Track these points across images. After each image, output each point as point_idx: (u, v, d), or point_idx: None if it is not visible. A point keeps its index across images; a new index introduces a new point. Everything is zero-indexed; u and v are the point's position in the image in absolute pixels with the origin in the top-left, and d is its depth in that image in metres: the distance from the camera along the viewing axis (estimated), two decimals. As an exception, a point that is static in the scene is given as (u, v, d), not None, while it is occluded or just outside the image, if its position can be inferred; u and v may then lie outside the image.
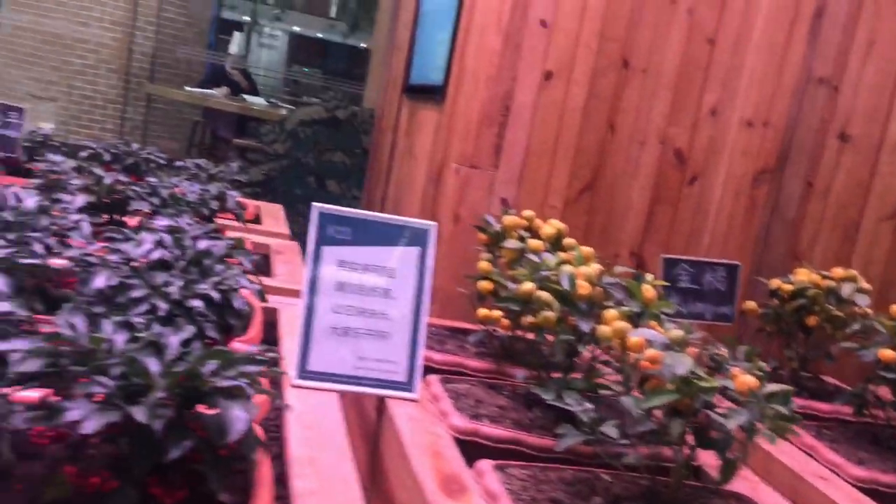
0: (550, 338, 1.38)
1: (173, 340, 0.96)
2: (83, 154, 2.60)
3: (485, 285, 1.59)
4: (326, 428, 1.21)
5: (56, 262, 1.22)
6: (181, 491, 0.87)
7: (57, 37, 7.91)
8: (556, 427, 1.34)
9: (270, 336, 1.56)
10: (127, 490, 0.83)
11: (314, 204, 1.38)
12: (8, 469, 0.90)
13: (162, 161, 2.80)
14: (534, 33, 2.16)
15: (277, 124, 3.65)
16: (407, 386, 1.36)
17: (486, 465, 1.15)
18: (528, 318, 1.55)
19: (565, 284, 1.29)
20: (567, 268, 1.32)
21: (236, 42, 7.20)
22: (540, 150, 2.26)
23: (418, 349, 1.37)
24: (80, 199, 1.52)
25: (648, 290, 1.28)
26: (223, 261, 1.27)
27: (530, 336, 1.72)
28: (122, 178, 2.11)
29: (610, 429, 1.10)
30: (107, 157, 2.65)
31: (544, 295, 1.30)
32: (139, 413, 0.79)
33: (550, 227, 1.59)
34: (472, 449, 1.24)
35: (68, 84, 8.00)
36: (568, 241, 1.59)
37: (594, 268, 1.35)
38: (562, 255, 1.47)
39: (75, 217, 1.45)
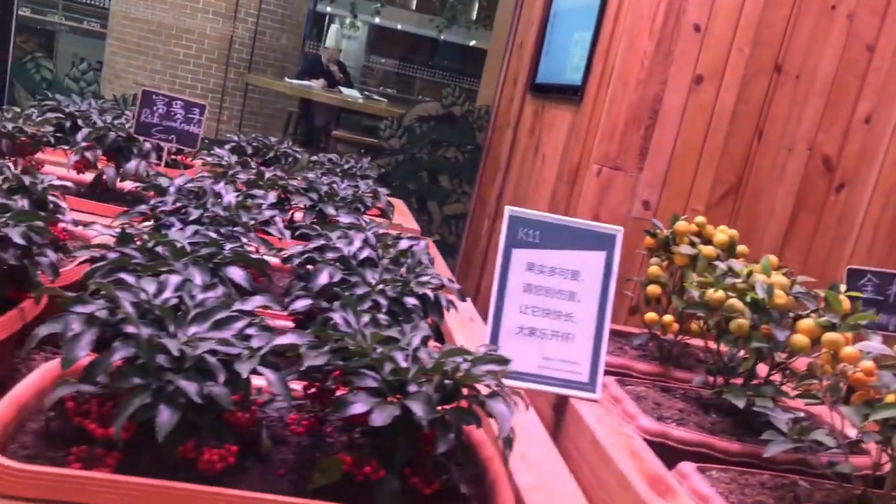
0: (722, 347, 1.39)
1: (415, 338, 1.01)
2: (227, 147, 2.72)
3: (654, 290, 1.60)
4: (525, 423, 1.24)
5: (273, 257, 1.29)
6: (436, 482, 0.91)
7: (163, 27, 8.21)
8: (735, 431, 1.36)
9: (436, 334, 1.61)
10: (392, 480, 0.88)
11: (508, 208, 1.42)
12: (267, 455, 0.97)
13: (298, 155, 2.89)
14: (687, 38, 2.15)
15: (394, 120, 3.71)
16: (589, 386, 1.39)
17: (688, 467, 1.16)
18: (695, 325, 1.56)
19: (761, 293, 1.29)
20: (759, 277, 1.32)
21: (333, 36, 7.34)
22: (685, 153, 2.25)
23: (601, 351, 1.40)
24: (272, 196, 1.60)
25: (845, 301, 1.27)
26: (421, 260, 1.32)
27: (696, 342, 1.73)
28: (279, 172, 2.20)
29: (823, 437, 1.10)
30: (249, 150, 2.76)
31: (737, 303, 1.30)
32: (417, 408, 0.84)
33: (723, 233, 1.59)
34: (659, 451, 1.26)
35: (172, 73, 8.31)
36: (741, 248, 1.59)
37: (783, 278, 1.35)
38: (747, 264, 1.47)
39: (269, 212, 1.53)
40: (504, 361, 0.95)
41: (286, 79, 7.66)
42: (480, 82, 4.07)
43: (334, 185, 2.13)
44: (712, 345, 1.44)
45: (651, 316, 1.62)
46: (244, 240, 1.40)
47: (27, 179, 1.44)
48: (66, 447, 0.90)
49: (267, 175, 2.12)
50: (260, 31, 8.49)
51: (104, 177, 2.01)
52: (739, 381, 1.42)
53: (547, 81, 2.97)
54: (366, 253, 1.29)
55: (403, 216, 2.89)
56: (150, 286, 0.96)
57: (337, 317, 0.92)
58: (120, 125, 2.06)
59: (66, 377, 0.91)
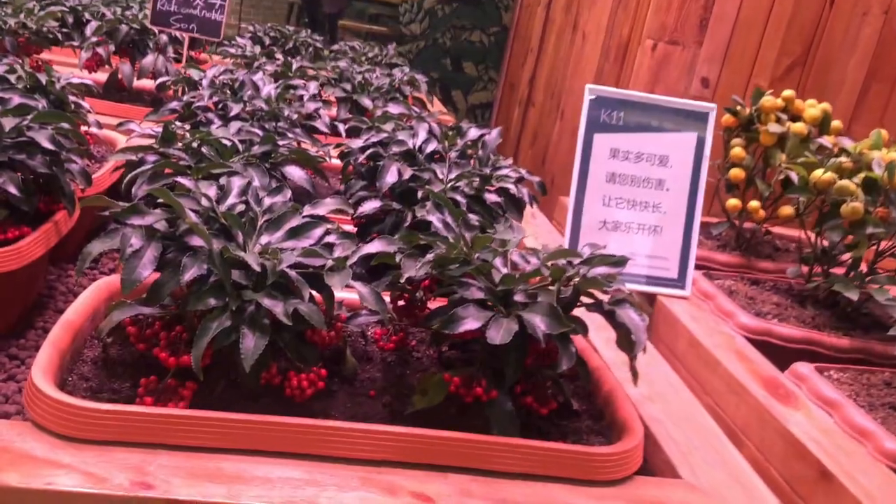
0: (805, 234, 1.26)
1: (512, 238, 0.88)
2: (245, 36, 2.52)
3: (737, 174, 1.46)
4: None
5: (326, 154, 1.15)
6: (552, 401, 0.81)
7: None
8: (840, 326, 1.25)
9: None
10: (505, 400, 0.78)
11: (589, 87, 1.26)
12: (353, 374, 0.86)
13: (318, 44, 2.69)
14: None
15: (414, 3, 3.46)
16: (679, 283, 1.27)
17: (805, 368, 1.06)
18: (786, 210, 1.42)
19: (878, 171, 1.14)
20: (874, 153, 1.18)
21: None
22: (749, 22, 2.04)
23: (691, 245, 1.27)
24: (313, 86, 1.44)
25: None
26: (494, 152, 1.18)
27: (778, 229, 1.60)
28: (306, 63, 2.02)
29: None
30: (267, 41, 2.56)
31: (849, 185, 1.16)
32: (540, 322, 0.72)
33: (814, 108, 1.43)
34: (762, 349, 1.16)
35: (165, -33, 7.83)
36: (835, 124, 1.43)
37: (898, 154, 1.20)
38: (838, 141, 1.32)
39: (312, 105, 1.37)
40: (620, 262, 0.82)
41: (286, -34, 7.20)
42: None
43: (367, 75, 1.95)
44: (805, 233, 1.31)
45: (733, 202, 1.48)
46: (290, 135, 1.25)
47: (43, 78, 1.29)
48: (130, 377, 0.79)
49: (294, 65, 1.94)
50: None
51: (120, 75, 1.84)
52: (840, 271, 1.29)
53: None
54: (433, 146, 1.15)
55: (435, 106, 2.72)
56: (209, 190, 0.83)
57: (434, 219, 0.79)
58: (133, 17, 1.86)
59: (122, 299, 0.80)
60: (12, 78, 1.22)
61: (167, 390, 0.74)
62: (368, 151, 1.08)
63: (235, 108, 1.21)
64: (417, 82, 1.96)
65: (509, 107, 3.44)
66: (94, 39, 1.81)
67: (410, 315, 0.87)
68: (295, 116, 1.32)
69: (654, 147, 1.24)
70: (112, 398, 0.75)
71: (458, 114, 3.57)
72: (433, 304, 0.84)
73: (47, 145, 0.99)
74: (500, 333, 0.70)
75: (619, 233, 1.25)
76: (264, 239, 0.80)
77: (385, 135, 1.13)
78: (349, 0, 6.71)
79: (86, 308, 0.84)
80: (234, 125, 1.14)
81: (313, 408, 0.79)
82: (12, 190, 0.96)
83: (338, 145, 1.19)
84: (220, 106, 1.24)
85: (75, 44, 1.85)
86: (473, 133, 1.21)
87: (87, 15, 1.93)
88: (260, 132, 1.18)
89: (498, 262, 0.81)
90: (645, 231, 1.25)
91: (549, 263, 0.82)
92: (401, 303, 0.87)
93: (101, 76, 1.91)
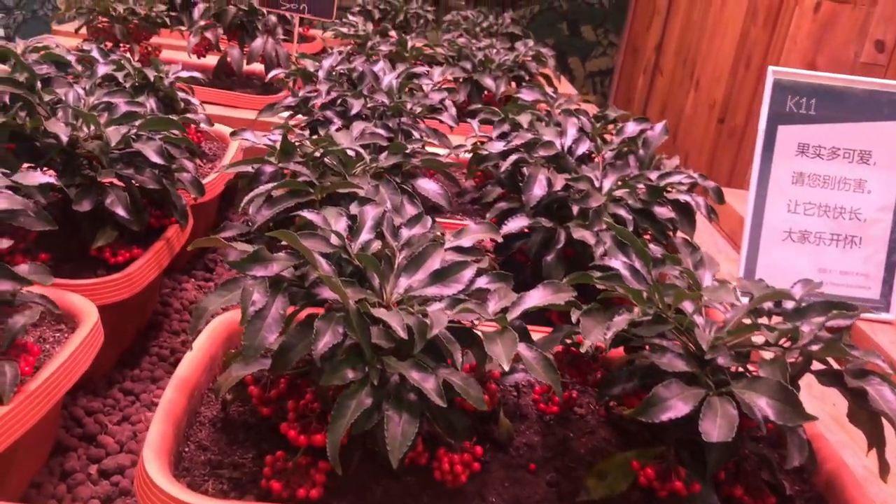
0: None
1: (706, 274, 0.70)
2: (354, 10, 2.39)
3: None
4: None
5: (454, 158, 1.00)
6: (769, 496, 0.64)
7: None
8: None
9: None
10: (709, 493, 0.61)
11: (772, 69, 1.04)
12: (508, 439, 0.72)
13: (430, 16, 2.53)
14: None
15: (529, -37, 3.23)
16: (881, 305, 1.05)
17: None
18: None
19: None
20: None
21: None
22: (939, -27, 1.73)
23: (896, 257, 1.05)
24: (437, 73, 1.28)
25: None
26: (655, 151, 0.99)
27: None
28: (419, 41, 1.87)
29: None
30: (376, 14, 2.42)
31: None
32: (766, 406, 0.55)
33: None
34: None
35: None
36: None
37: None
38: None
39: (437, 95, 1.22)
40: (850, 313, 0.63)
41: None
42: None
43: (488, 52, 1.78)
44: None
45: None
46: (416, 134, 1.11)
47: (151, 74, 1.19)
48: (254, 446, 0.68)
49: (409, 43, 1.79)
50: None
51: (229, 59, 1.74)
52: None
53: None
54: (584, 147, 0.97)
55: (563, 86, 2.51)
56: (339, 223, 0.69)
57: (618, 264, 0.62)
58: (242, -3, 1.76)
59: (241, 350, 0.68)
60: (120, 76, 1.13)
61: (297, 471, 0.62)
62: (512, 158, 0.92)
63: (356, 106, 1.07)
64: (544, 57, 1.77)
65: (632, 74, 3.18)
66: (202, 23, 1.71)
67: (579, 372, 0.72)
68: (419, 109, 1.18)
69: (852, 140, 1.02)
70: (234, 476, 0.64)
71: (574, 82, 3.34)
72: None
73: (156, 159, 0.89)
74: (718, 428, 0.53)
75: (807, 245, 1.04)
76: (403, 282, 0.66)
77: (528, 135, 0.96)
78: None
79: (202, 358, 0.73)
80: (357, 127, 1.00)
81: (465, 489, 0.65)
82: (121, 211, 0.86)
83: (474, 148, 1.04)
84: (338, 101, 1.10)
85: (183, 28, 1.76)
86: (631, 128, 1.02)
87: (195, -3, 1.84)
88: (384, 132, 1.04)
89: (690, 308, 0.64)
90: (840, 242, 1.04)
91: (761, 307, 0.64)
92: (569, 356, 0.71)
93: (210, 60, 1.82)
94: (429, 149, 1.07)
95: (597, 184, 0.91)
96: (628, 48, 3.28)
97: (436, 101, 1.21)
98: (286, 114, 1.17)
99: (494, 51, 1.85)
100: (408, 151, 0.88)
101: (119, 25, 1.70)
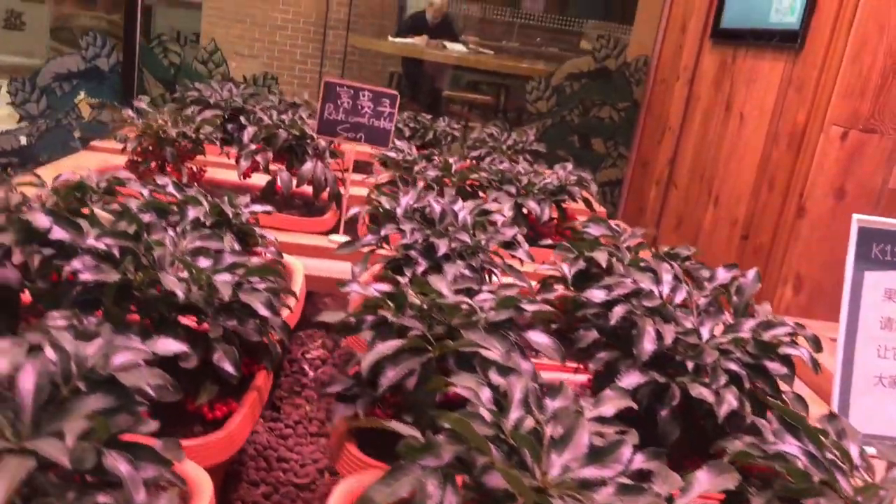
0: None
1: (851, 447, 0.69)
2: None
3: None
4: None
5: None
6: None
7: (259, -6, 7.99)
8: None
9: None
10: None
11: (856, 217, 1.07)
12: None
13: (457, 133, 2.59)
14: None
15: (542, 80, 3.35)
16: (974, 452, 1.04)
17: None
18: None
19: None
20: None
21: (438, -11, 6.92)
22: (962, 107, 1.81)
23: None
24: (508, 206, 1.30)
25: None
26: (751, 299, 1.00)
27: None
28: (464, 163, 1.91)
29: None
30: (406, 132, 2.48)
31: None
32: None
33: None
34: None
35: (271, 40, 8.11)
36: None
37: None
38: None
39: (510, 231, 1.23)
40: None
41: (389, 38, 7.33)
42: (632, 28, 3.62)
43: (531, 177, 1.81)
44: None
45: None
46: (496, 272, 1.11)
47: (228, 209, 1.19)
48: None
49: (453, 167, 1.83)
50: (356, -11, 8.17)
51: (278, 182, 1.76)
52: None
53: (739, 26, 2.54)
54: (682, 295, 0.98)
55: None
56: (482, 391, 0.68)
57: (792, 448, 0.61)
58: (290, 122, 1.79)
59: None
60: (200, 214, 1.13)
61: None
62: (620, 311, 0.92)
63: (443, 247, 1.08)
64: (586, 182, 1.81)
65: (642, 185, 3.26)
66: (252, 147, 1.74)
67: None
68: (493, 246, 1.19)
69: (938, 288, 1.04)
70: None
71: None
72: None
73: (264, 312, 0.88)
74: None
75: (897, 391, 1.04)
76: (556, 459, 0.64)
77: (629, 284, 0.97)
78: (441, 74, 6.75)
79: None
80: (450, 271, 1.01)
81: None
82: (228, 367, 0.84)
83: (544, 283, 1.03)
84: (422, 242, 1.11)
85: (233, 150, 1.79)
86: (723, 275, 1.03)
87: (243, 119, 1.88)
88: (469, 272, 1.04)
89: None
90: (930, 389, 1.04)
91: None
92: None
93: (256, 179, 1.84)
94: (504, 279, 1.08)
95: (704, 335, 0.91)
96: (637, 161, 3.38)
97: (509, 236, 1.22)
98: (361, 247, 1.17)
99: (531, 172, 1.88)
100: (520, 305, 0.88)
101: (170, 148, 1.72)
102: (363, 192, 1.79)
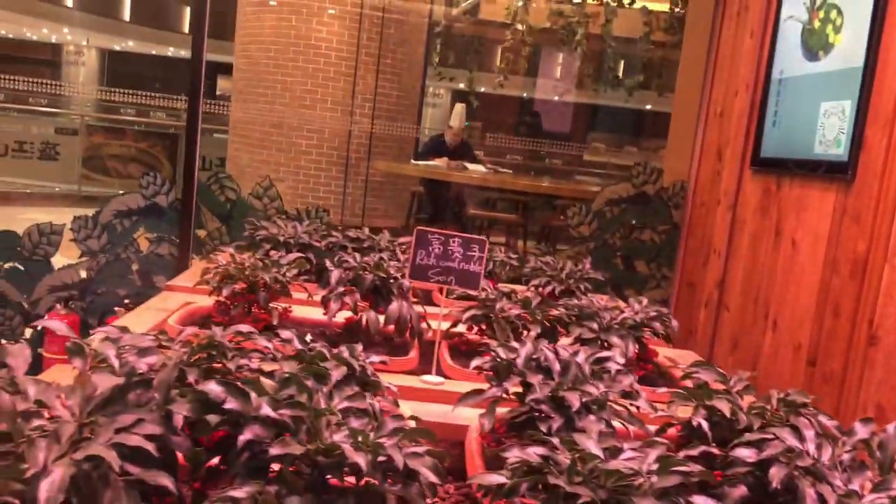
0: None
1: None
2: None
3: None
4: None
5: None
6: None
7: (283, 121, 8.35)
8: None
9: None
10: None
11: None
12: None
13: (514, 262, 2.65)
14: None
15: (582, 205, 3.45)
16: None
17: None
18: None
19: None
20: None
21: (457, 115, 7.25)
22: None
23: None
24: (619, 352, 1.33)
25: None
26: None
27: None
28: (542, 301, 1.95)
29: None
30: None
31: None
32: None
33: None
34: None
35: (295, 165, 8.40)
36: None
37: None
38: None
39: (626, 379, 1.25)
40: None
41: (412, 161, 7.61)
42: (665, 152, 3.77)
43: (612, 313, 1.85)
44: None
45: None
46: (616, 423, 1.13)
47: (354, 363, 1.22)
48: None
49: (533, 303, 1.87)
50: (377, 115, 8.54)
51: (365, 321, 1.79)
52: None
53: (782, 156, 2.64)
54: (828, 453, 0.99)
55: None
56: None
57: None
58: (376, 264, 1.85)
59: None
60: (340, 375, 1.15)
61: None
62: (781, 472, 0.93)
63: (575, 402, 1.10)
64: (666, 318, 1.84)
65: (690, 307, 3.29)
66: (341, 290, 1.79)
67: None
68: (613, 395, 1.20)
69: None
70: None
71: (630, 313, 3.42)
72: None
73: (433, 478, 0.89)
74: None
75: None
76: None
77: (777, 442, 0.98)
78: (462, 195, 6.95)
79: None
80: (591, 428, 1.02)
81: None
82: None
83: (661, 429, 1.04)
84: (558, 398, 1.13)
85: (321, 293, 1.83)
86: (862, 430, 1.04)
87: (328, 263, 1.94)
88: (604, 427, 1.06)
89: None
90: None
91: None
92: None
93: (338, 317, 1.88)
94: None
95: (867, 499, 0.92)
96: (682, 282, 3.43)
97: (626, 384, 1.24)
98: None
99: (619, 314, 1.92)
100: (684, 469, 0.89)
101: (263, 293, 1.77)
102: (432, 323, 1.82)
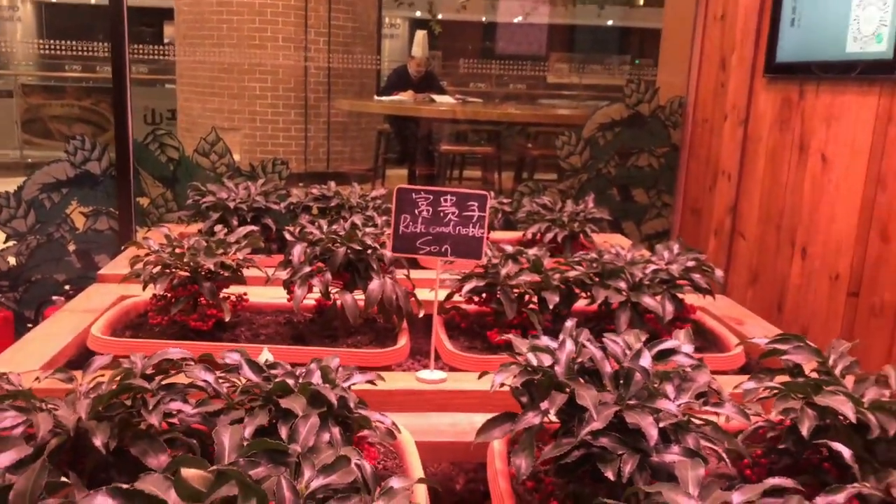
0: None
1: None
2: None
3: None
4: None
5: None
6: None
7: (233, 65, 7.79)
8: None
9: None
10: None
11: None
12: None
13: (507, 208, 2.31)
14: None
15: (571, 132, 3.09)
16: None
17: None
18: None
19: None
20: None
21: (419, 43, 6.75)
22: None
23: None
24: (684, 336, 0.99)
25: None
26: None
27: None
28: (557, 259, 1.61)
29: None
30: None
31: None
32: None
33: None
34: None
35: (251, 111, 7.88)
36: None
37: None
38: None
39: (701, 377, 0.92)
40: None
41: (375, 97, 7.14)
42: (657, 67, 3.39)
43: (644, 269, 1.52)
44: None
45: None
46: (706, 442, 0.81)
47: (330, 394, 0.88)
48: None
49: (546, 262, 1.53)
50: (333, 49, 8.00)
51: (339, 306, 1.45)
52: None
53: (805, 59, 2.29)
54: None
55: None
56: None
57: None
58: (347, 233, 1.49)
59: None
60: (313, 419, 0.81)
61: None
62: None
63: (651, 431, 0.77)
64: (708, 268, 1.52)
65: (697, 235, 2.98)
66: (307, 270, 1.43)
67: None
68: (689, 400, 0.88)
69: None
70: None
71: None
72: None
73: None
74: None
75: None
76: None
77: None
78: (428, 128, 6.51)
79: None
80: (683, 473, 0.70)
81: None
82: None
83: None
84: (617, 423, 0.80)
85: (282, 275, 1.47)
86: None
87: (287, 235, 1.58)
88: (694, 461, 0.74)
89: None
90: None
91: None
92: None
93: (310, 297, 1.53)
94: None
95: None
96: (686, 209, 3.11)
97: (702, 383, 0.91)
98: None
99: (640, 260, 1.59)
100: None
101: (208, 284, 1.41)
102: (427, 294, 1.49)
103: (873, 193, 1.99)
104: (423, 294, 1.55)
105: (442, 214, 1.27)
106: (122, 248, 2.30)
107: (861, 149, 2.04)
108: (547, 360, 0.91)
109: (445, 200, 1.27)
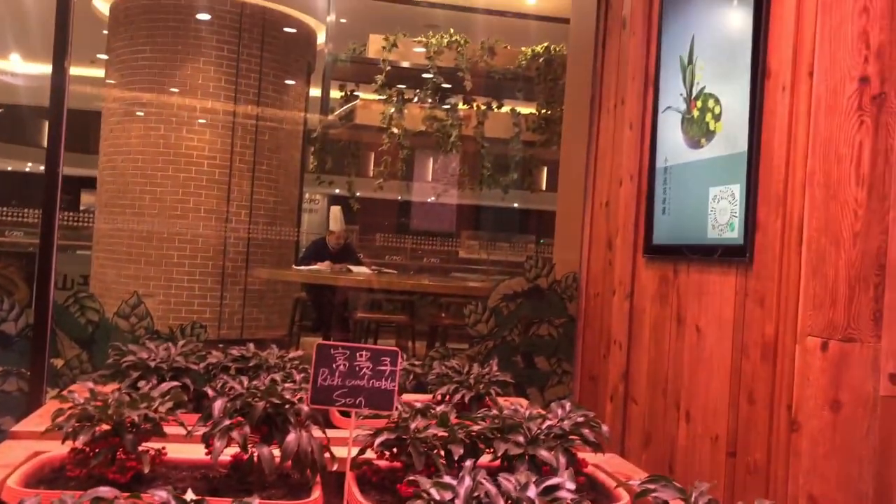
0: None
1: None
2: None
3: None
4: None
5: None
6: None
7: (153, 233, 7.91)
8: None
9: None
10: None
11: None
12: None
13: (418, 370, 2.46)
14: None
15: (478, 302, 3.33)
16: None
17: None
18: None
19: None
20: None
21: (336, 218, 7.12)
22: (928, 308, 1.88)
23: None
24: (567, 476, 1.14)
25: None
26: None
27: None
28: (457, 414, 1.76)
29: None
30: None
31: None
32: None
33: None
34: None
35: (167, 278, 7.92)
36: None
37: None
38: None
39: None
40: None
41: (294, 266, 7.35)
42: (553, 246, 3.75)
43: (537, 424, 1.68)
44: None
45: None
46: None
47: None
48: None
49: (451, 418, 1.67)
50: (254, 222, 8.26)
51: (256, 459, 1.53)
52: None
53: (675, 242, 2.64)
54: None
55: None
56: None
57: None
58: (267, 388, 1.61)
59: None
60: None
61: None
62: None
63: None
64: (595, 422, 1.70)
65: (595, 401, 3.19)
66: (227, 423, 1.53)
67: None
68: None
69: None
70: None
71: (536, 413, 3.28)
72: None
73: None
74: None
75: None
76: None
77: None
78: (345, 297, 6.73)
79: None
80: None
81: None
82: None
83: None
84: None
85: (202, 430, 1.56)
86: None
87: (209, 390, 1.67)
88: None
89: None
90: None
91: None
92: None
93: (227, 452, 1.60)
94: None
95: None
96: (584, 376, 3.33)
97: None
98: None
99: (533, 414, 1.76)
100: None
101: (130, 436, 1.48)
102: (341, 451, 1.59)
103: (739, 361, 2.26)
104: (337, 451, 1.65)
105: (357, 368, 1.42)
106: (44, 399, 2.30)
107: (726, 321, 2.33)
108: (448, 496, 1.04)
109: (361, 356, 1.43)
